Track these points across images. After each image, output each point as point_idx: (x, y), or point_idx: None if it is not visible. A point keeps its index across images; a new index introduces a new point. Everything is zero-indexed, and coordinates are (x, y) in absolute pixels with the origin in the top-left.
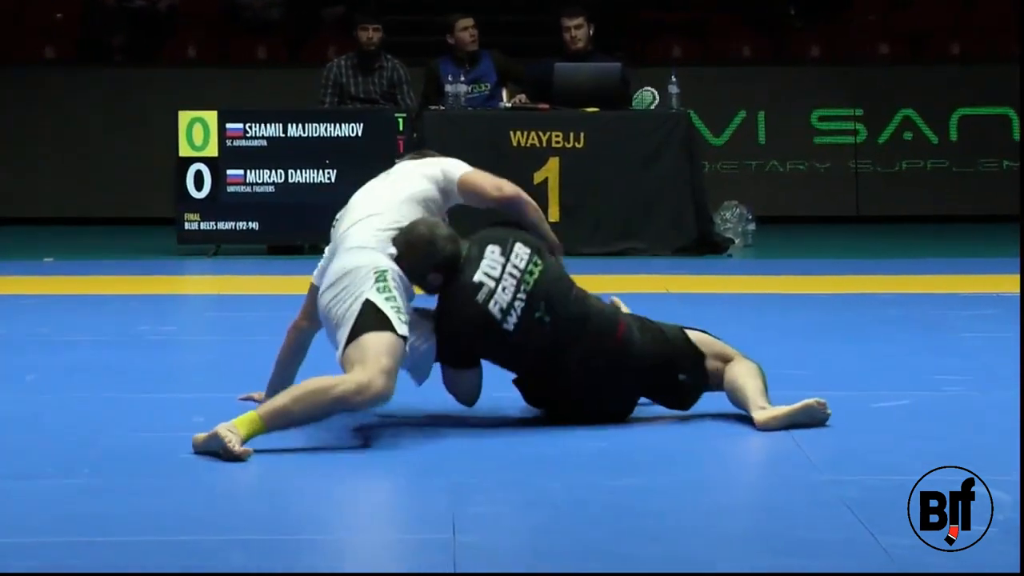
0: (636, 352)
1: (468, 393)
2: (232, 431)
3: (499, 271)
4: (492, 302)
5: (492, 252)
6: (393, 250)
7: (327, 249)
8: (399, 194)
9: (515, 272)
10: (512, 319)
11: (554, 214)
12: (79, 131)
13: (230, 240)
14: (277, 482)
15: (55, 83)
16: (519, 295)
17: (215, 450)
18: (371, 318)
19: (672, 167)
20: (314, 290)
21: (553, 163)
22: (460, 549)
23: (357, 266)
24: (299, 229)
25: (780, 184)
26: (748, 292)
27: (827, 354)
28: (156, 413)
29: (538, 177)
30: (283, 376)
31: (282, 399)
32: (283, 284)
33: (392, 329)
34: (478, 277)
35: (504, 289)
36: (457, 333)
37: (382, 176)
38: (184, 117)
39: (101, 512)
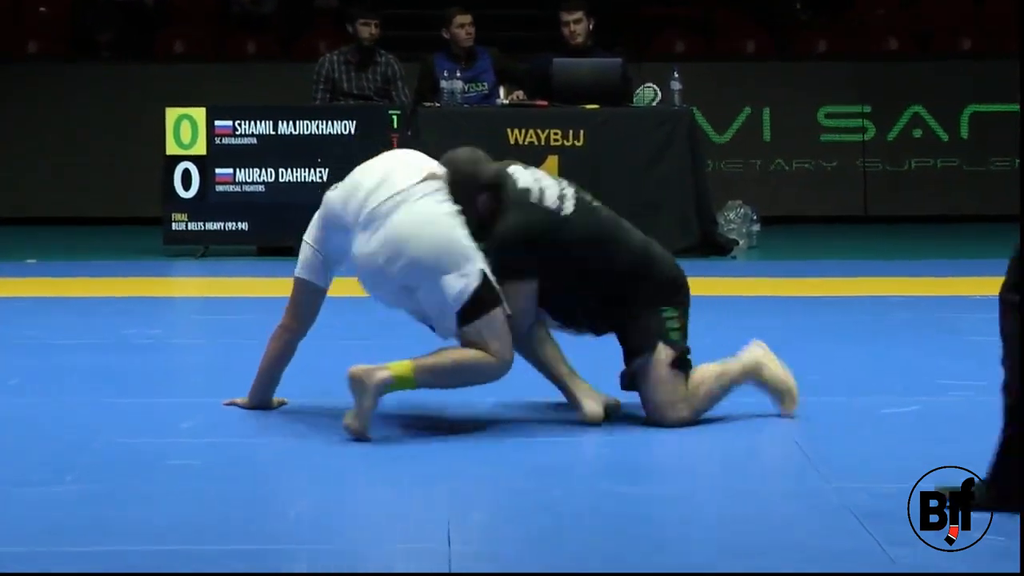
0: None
1: (525, 312)
2: (363, 410)
3: (534, 177)
4: (545, 197)
5: (518, 169)
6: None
7: (320, 230)
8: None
9: (547, 178)
10: (569, 204)
11: None
12: (68, 129)
13: (218, 241)
14: (269, 490)
15: (43, 80)
16: (563, 187)
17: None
18: (493, 293)
19: (674, 166)
20: (301, 285)
21: (552, 162)
22: (455, 558)
23: (451, 238)
24: (290, 230)
25: (785, 183)
26: (752, 295)
27: (834, 358)
28: (146, 418)
29: None
30: (269, 381)
31: (438, 362)
32: (273, 286)
33: (503, 303)
34: (523, 183)
35: (547, 187)
36: (519, 239)
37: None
38: (171, 114)
39: (92, 520)
